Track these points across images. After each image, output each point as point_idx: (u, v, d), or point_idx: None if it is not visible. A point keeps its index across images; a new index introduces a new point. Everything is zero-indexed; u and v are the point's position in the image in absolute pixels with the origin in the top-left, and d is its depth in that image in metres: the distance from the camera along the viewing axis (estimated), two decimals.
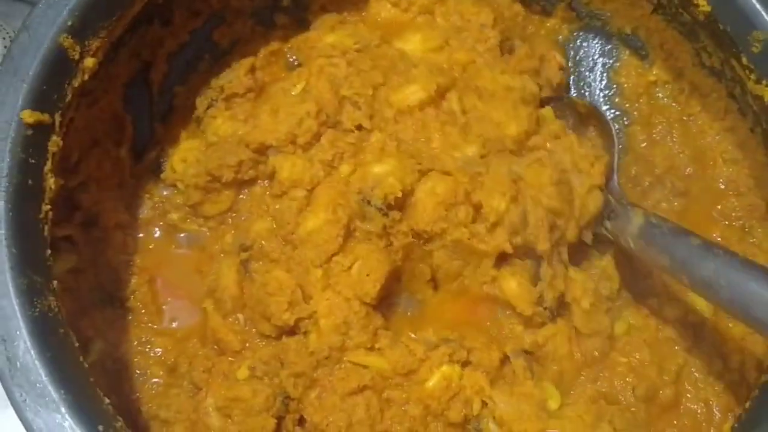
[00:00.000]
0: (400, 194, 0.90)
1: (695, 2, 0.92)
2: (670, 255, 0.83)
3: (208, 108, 1.04)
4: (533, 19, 1.13)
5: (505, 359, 0.93)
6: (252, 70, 1.04)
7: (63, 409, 0.70)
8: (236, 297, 0.95)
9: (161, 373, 0.94)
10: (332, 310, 0.89)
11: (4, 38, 1.18)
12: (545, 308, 0.93)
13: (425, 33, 1.06)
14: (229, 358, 0.93)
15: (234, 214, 1.01)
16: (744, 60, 0.90)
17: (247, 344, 0.94)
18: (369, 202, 0.91)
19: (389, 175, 0.91)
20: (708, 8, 0.92)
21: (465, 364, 0.91)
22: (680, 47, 1.05)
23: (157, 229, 1.03)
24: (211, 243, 1.01)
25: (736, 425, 0.77)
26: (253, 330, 0.95)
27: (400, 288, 0.97)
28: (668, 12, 1.01)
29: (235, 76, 1.03)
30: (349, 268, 0.91)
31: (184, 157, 1.01)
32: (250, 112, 1.01)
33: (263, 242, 0.95)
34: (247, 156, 0.98)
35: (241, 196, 1.01)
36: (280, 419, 0.89)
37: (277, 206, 0.97)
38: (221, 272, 0.96)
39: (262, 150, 0.98)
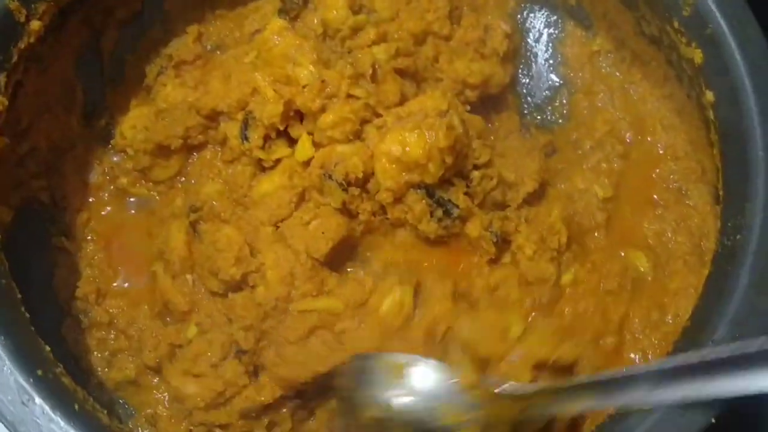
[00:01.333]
0: (361, 174, 0.92)
1: None
2: None
3: (158, 75, 1.05)
4: None
5: (456, 294, 0.95)
6: (199, 37, 1.06)
7: (2, 354, 0.72)
8: (185, 258, 0.97)
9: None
10: (279, 262, 0.91)
11: None
12: (491, 232, 0.96)
13: (376, 4, 1.08)
14: (176, 326, 0.95)
15: (183, 179, 1.03)
16: (676, 24, 0.94)
17: (195, 307, 0.96)
18: (330, 177, 0.93)
19: (353, 154, 0.93)
20: None
21: (417, 291, 0.93)
22: (622, 17, 1.08)
23: (107, 194, 1.05)
24: (161, 207, 1.03)
25: None
26: (202, 290, 0.96)
27: (355, 255, 0.98)
28: None
29: (184, 43, 1.05)
30: (308, 223, 0.94)
31: (134, 124, 1.03)
32: (199, 79, 1.03)
33: (214, 203, 0.97)
34: (196, 122, 1.00)
35: (190, 160, 1.03)
36: None
37: (229, 170, 0.99)
38: (170, 234, 0.98)
39: (213, 116, 1.00)
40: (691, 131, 1.03)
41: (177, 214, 1.01)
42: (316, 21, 1.02)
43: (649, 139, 1.07)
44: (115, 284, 1.01)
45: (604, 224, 1.02)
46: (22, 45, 0.87)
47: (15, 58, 0.86)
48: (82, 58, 1.05)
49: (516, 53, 1.12)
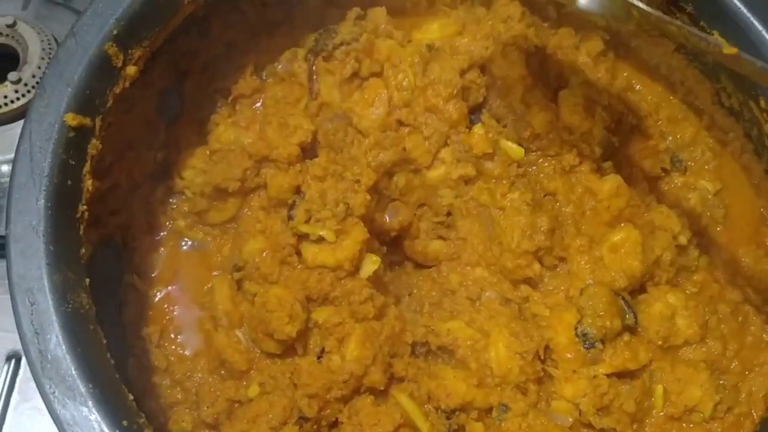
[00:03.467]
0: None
1: None
2: None
3: (211, 114, 1.06)
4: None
5: None
6: (256, 70, 1.08)
7: (90, 403, 0.73)
8: (230, 312, 0.96)
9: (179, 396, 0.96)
10: (365, 344, 0.90)
11: (42, 40, 1.21)
12: None
13: (442, 21, 1.10)
14: (235, 382, 0.94)
15: (236, 225, 1.03)
16: (762, 103, 0.93)
17: (254, 366, 0.95)
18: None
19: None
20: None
21: None
22: (700, 86, 1.08)
23: (164, 235, 1.05)
24: (212, 253, 1.03)
25: None
26: (258, 352, 0.96)
27: None
28: (690, 51, 1.04)
29: (242, 77, 1.07)
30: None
31: (192, 164, 1.03)
32: (251, 118, 1.04)
33: (257, 261, 0.96)
34: (250, 164, 1.00)
35: (245, 209, 1.03)
36: None
37: (269, 222, 0.99)
38: (214, 289, 0.98)
39: (262, 161, 1.01)
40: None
41: (223, 267, 1.01)
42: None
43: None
44: (176, 334, 1.00)
45: None
46: (117, 90, 0.89)
47: (110, 102, 0.88)
48: (165, 97, 1.07)
49: None
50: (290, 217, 0.96)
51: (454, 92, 1.00)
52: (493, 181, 1.01)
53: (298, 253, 0.96)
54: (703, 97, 1.08)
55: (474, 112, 1.04)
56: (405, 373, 0.94)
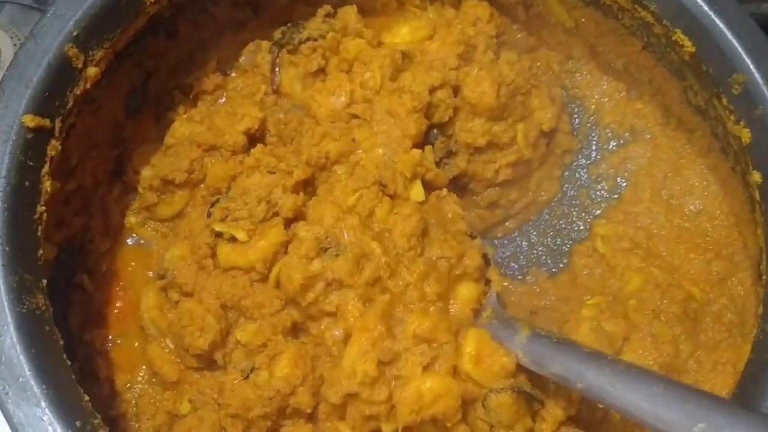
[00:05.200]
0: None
1: (681, 43, 0.95)
2: (560, 365, 0.83)
3: (166, 111, 1.06)
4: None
5: None
6: (218, 65, 1.07)
7: (43, 404, 0.73)
8: (157, 319, 0.95)
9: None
10: (297, 362, 0.88)
11: (15, 45, 1.22)
12: None
13: (412, 24, 1.10)
14: (173, 392, 0.94)
15: (181, 222, 1.03)
16: (725, 101, 0.93)
17: (185, 378, 0.95)
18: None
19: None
20: (692, 49, 0.95)
21: None
22: (668, 84, 1.08)
23: (118, 233, 1.04)
24: (156, 252, 1.03)
25: None
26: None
27: None
28: (657, 50, 1.04)
29: (204, 73, 1.06)
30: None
31: (148, 160, 1.03)
32: (205, 113, 1.04)
33: (176, 272, 0.95)
34: (198, 154, 1.00)
35: (188, 208, 1.02)
36: None
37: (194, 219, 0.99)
38: (141, 295, 0.98)
39: (211, 150, 1.01)
40: (735, 204, 1.02)
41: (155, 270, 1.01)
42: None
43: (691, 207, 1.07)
44: (118, 340, 1.00)
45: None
46: (78, 91, 0.89)
47: (71, 104, 0.88)
48: (132, 98, 1.07)
49: None
50: (209, 214, 0.95)
51: (420, 106, 0.98)
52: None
53: (215, 256, 0.95)
54: (671, 96, 1.08)
55: (433, 132, 1.03)
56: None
